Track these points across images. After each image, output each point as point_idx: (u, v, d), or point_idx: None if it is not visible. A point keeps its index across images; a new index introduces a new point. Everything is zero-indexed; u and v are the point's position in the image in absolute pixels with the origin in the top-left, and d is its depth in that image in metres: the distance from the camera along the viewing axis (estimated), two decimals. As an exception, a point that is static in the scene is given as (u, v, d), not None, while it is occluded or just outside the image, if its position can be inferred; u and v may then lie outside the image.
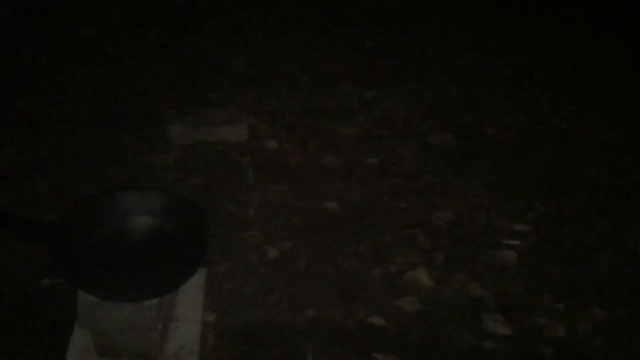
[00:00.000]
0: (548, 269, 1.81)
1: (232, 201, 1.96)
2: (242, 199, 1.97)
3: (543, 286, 1.76)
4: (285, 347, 1.56)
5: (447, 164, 2.16)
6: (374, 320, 1.64)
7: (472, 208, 1.99)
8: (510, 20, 2.97)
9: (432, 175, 2.11)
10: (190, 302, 1.53)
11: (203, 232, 1.37)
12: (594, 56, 2.72)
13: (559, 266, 1.82)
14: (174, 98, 2.36)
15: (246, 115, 2.25)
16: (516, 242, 1.88)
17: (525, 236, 1.91)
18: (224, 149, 2.14)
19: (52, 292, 1.62)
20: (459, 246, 1.86)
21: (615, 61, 2.69)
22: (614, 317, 1.69)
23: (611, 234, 1.93)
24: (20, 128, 2.15)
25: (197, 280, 1.56)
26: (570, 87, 2.55)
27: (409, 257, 1.82)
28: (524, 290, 1.75)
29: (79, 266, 1.29)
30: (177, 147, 2.12)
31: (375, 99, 2.43)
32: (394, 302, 1.69)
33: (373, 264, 1.80)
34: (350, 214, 1.95)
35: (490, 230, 1.92)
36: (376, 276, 1.77)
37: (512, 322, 1.66)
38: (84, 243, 1.34)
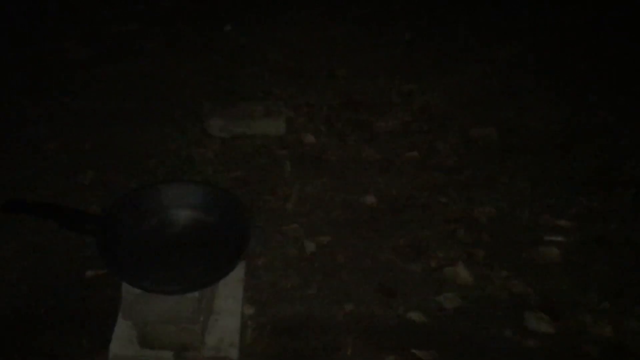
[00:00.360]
0: (593, 266, 1.76)
1: (271, 194, 1.96)
2: (281, 192, 1.97)
3: (588, 284, 1.71)
4: (324, 341, 1.56)
5: (489, 158, 2.12)
6: (413, 315, 1.63)
7: (515, 203, 1.95)
8: (556, 13, 2.89)
9: (473, 169, 2.07)
10: (230, 295, 1.54)
11: (244, 224, 1.37)
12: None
13: (605, 263, 1.77)
14: (213, 92, 2.38)
15: (284, 108, 2.25)
16: (560, 239, 1.83)
17: (570, 232, 1.86)
18: (263, 143, 2.15)
19: (96, 283, 1.65)
20: (500, 242, 1.83)
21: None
22: (663, 316, 1.63)
23: (660, 231, 1.86)
24: (64, 122, 2.20)
25: (237, 273, 1.57)
26: (617, 80, 2.47)
27: (449, 252, 1.79)
28: (568, 288, 1.70)
29: (122, 258, 1.31)
30: (216, 141, 2.14)
31: (414, 91, 2.40)
32: (434, 297, 1.67)
33: (412, 258, 1.78)
34: (389, 208, 1.93)
35: (533, 226, 1.88)
36: (416, 271, 1.75)
37: (555, 320, 1.62)
38: (127, 235, 1.37)
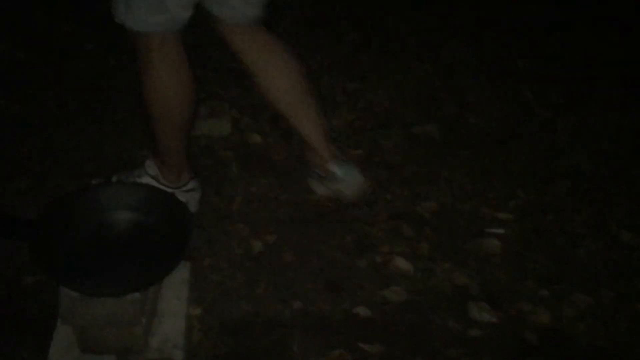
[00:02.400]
0: (532, 256, 1.83)
1: (217, 195, 1.95)
2: (227, 192, 1.96)
3: (527, 273, 1.77)
4: (272, 340, 1.56)
5: (431, 155, 2.16)
6: (359, 310, 1.65)
7: (456, 197, 2.00)
8: (494, 13, 2.97)
9: (416, 165, 2.11)
10: (174, 296, 1.52)
11: (184, 224, 1.36)
12: (576, 44, 2.73)
13: (543, 253, 1.83)
14: (156, 93, 2.34)
15: (229, 109, 2.24)
16: (500, 231, 1.89)
17: (509, 224, 1.92)
18: (208, 143, 2.13)
19: (35, 290, 1.60)
20: (443, 235, 1.87)
21: (598, 49, 2.70)
22: (598, 302, 1.70)
23: (594, 221, 1.94)
24: (0, 125, 2.12)
25: (182, 273, 1.56)
26: (553, 76, 2.56)
27: (394, 247, 1.82)
28: (509, 278, 1.76)
29: (59, 262, 1.28)
30: (159, 142, 2.10)
31: (358, 90, 2.43)
32: (380, 292, 1.70)
33: (358, 254, 1.80)
34: (334, 205, 1.94)
35: (474, 219, 1.93)
36: (362, 267, 1.77)
37: (497, 309, 1.67)
38: (64, 239, 1.33)
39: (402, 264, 1.77)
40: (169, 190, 1.72)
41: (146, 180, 1.78)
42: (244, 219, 1.88)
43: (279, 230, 1.85)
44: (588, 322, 1.65)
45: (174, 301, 1.50)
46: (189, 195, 1.81)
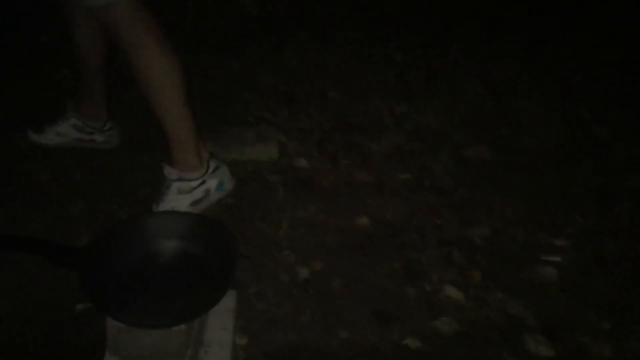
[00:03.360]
0: (592, 285, 1.74)
1: (264, 221, 1.94)
2: (273, 218, 1.95)
3: (587, 303, 1.68)
4: (318, 370, 1.53)
5: (483, 178, 2.10)
6: (409, 342, 1.60)
7: (510, 223, 1.93)
8: (549, 31, 2.90)
9: (467, 189, 2.05)
10: (220, 326, 1.51)
11: (231, 253, 1.35)
12: (635, 60, 2.62)
13: (603, 282, 1.74)
14: (205, 118, 2.37)
15: (276, 133, 2.25)
16: (557, 258, 1.81)
17: (567, 251, 1.83)
18: (255, 168, 2.14)
19: (87, 317, 1.62)
20: (496, 263, 1.80)
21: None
22: (665, 336, 1.60)
23: (659, 247, 1.84)
24: (54, 153, 2.19)
25: (228, 302, 1.55)
26: (611, 96, 2.46)
27: (444, 275, 1.77)
28: (567, 309, 1.68)
29: (107, 291, 1.29)
30: (208, 168, 2.12)
31: (406, 113, 2.39)
32: (430, 322, 1.64)
33: (407, 282, 1.75)
34: (383, 231, 1.91)
35: (529, 245, 1.86)
36: (411, 295, 1.72)
37: (554, 342, 1.59)
38: (113, 267, 1.35)
39: (452, 292, 1.71)
40: (198, 180, 1.84)
41: (176, 186, 1.86)
42: (290, 245, 1.86)
43: (326, 256, 1.82)
44: (654, 357, 1.55)
45: (219, 331, 1.49)
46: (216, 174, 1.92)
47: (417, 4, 3.09)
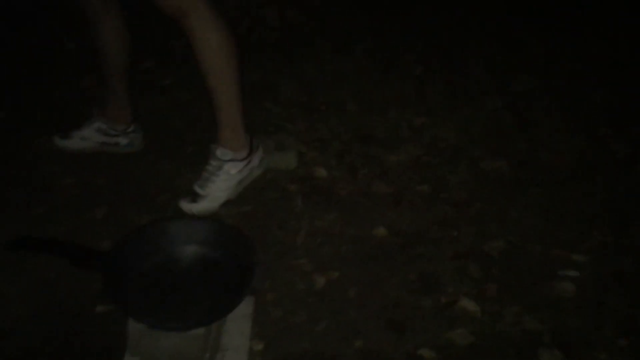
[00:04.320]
0: (609, 301, 1.73)
1: (281, 229, 1.96)
2: (291, 226, 1.97)
3: (604, 320, 1.67)
4: (333, 379, 1.54)
5: (500, 192, 2.10)
6: (423, 352, 1.60)
7: (527, 237, 1.92)
8: (568, 46, 2.90)
9: (484, 202, 2.06)
10: (237, 331, 1.53)
11: (249, 259, 1.37)
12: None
13: (622, 299, 1.73)
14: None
15: (295, 143, 2.27)
16: (574, 274, 1.80)
17: (584, 267, 1.83)
18: (273, 177, 2.16)
19: (108, 318, 1.65)
20: (512, 277, 1.80)
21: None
22: (683, 354, 1.59)
23: (678, 265, 1.83)
24: (78, 157, 2.24)
25: (245, 308, 1.57)
26: (630, 112, 2.45)
27: (460, 287, 1.77)
28: (584, 325, 1.67)
29: (129, 294, 1.32)
30: (227, 175, 2.15)
31: (425, 125, 2.41)
32: (445, 334, 1.65)
33: (423, 294, 1.76)
34: (399, 242, 1.92)
35: (545, 260, 1.85)
36: (426, 307, 1.73)
37: (570, 357, 1.58)
38: (134, 271, 1.38)
39: (468, 305, 1.72)
40: (247, 159, 1.95)
41: (227, 166, 1.93)
42: (307, 253, 1.88)
43: (342, 266, 1.84)
44: (672, 375, 1.54)
45: (237, 336, 1.51)
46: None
47: (437, 18, 3.11)
